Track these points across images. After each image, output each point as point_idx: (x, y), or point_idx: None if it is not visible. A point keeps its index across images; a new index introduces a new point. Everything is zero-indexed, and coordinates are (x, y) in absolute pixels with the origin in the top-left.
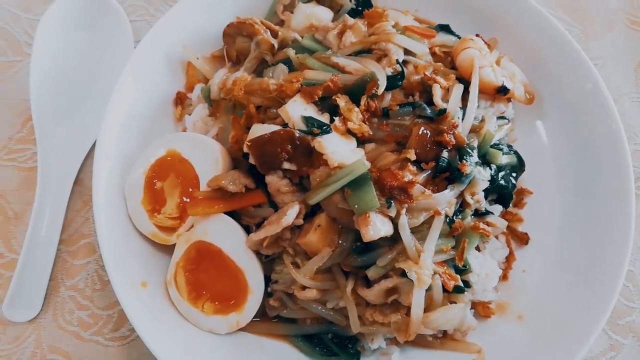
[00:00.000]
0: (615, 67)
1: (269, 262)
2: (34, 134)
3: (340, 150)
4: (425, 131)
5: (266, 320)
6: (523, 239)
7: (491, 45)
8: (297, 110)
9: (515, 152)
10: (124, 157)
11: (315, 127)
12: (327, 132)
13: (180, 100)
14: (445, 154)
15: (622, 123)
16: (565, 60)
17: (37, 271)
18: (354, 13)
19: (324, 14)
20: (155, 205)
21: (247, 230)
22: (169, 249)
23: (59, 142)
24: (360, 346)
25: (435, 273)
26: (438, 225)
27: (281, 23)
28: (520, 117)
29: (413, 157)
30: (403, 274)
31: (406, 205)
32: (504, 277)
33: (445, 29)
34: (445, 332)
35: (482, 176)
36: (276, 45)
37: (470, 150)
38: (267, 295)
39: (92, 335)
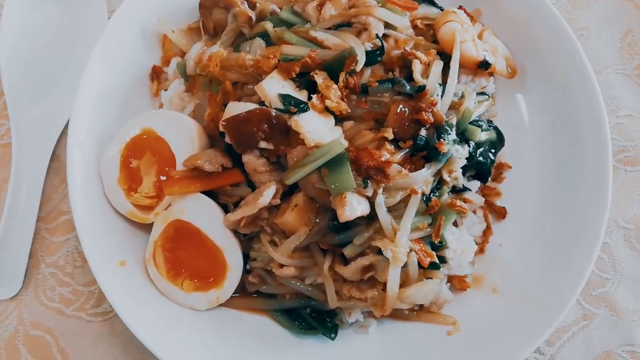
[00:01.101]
0: (601, 38)
1: (247, 240)
2: (7, 109)
3: (317, 129)
4: (403, 109)
5: (246, 295)
6: (501, 213)
7: (474, 17)
8: (274, 87)
9: (495, 128)
10: (99, 134)
11: (292, 106)
12: (305, 110)
13: (157, 74)
14: (423, 132)
15: (606, 95)
16: (548, 33)
17: (16, 249)
18: None
19: None
20: (132, 184)
21: (225, 208)
22: (147, 227)
23: (33, 118)
24: (338, 319)
25: (411, 250)
26: (414, 203)
27: None
28: (502, 91)
29: (391, 136)
30: (379, 251)
31: (383, 184)
32: (480, 250)
33: (427, 0)
34: (421, 305)
35: (460, 154)
36: (254, 18)
37: (448, 128)
38: (246, 272)
39: (75, 311)
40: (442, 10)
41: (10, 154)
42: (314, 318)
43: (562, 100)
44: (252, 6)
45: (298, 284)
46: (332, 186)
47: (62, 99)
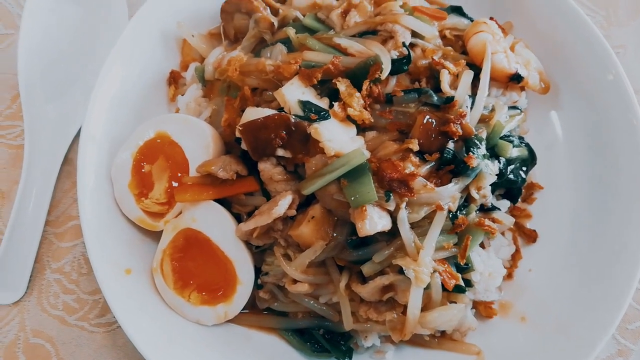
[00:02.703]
0: (638, 57)
1: (259, 253)
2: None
3: (338, 138)
4: (430, 120)
5: (256, 312)
6: (531, 237)
7: (505, 30)
8: (294, 93)
9: (527, 145)
10: (112, 138)
11: (312, 113)
12: (325, 118)
13: (174, 79)
14: (451, 144)
15: None
16: (585, 48)
17: (22, 252)
18: None
19: None
20: (143, 189)
21: (238, 218)
22: (155, 235)
23: (47, 120)
24: (353, 343)
25: (434, 271)
26: (440, 220)
27: (282, 0)
28: (534, 107)
29: (416, 147)
30: (400, 271)
31: (406, 198)
32: (508, 275)
33: (457, 10)
34: (443, 332)
35: (490, 170)
36: (276, 24)
37: (478, 142)
38: (257, 287)
39: (77, 320)
40: (472, 21)
41: (23, 156)
42: (327, 340)
43: (598, 120)
44: (275, 12)
45: (312, 302)
46: (352, 198)
47: (79, 101)
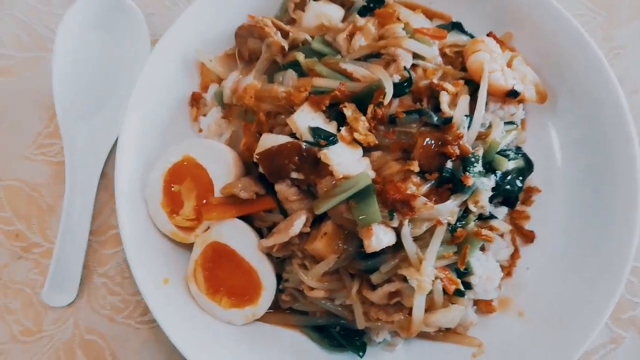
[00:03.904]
0: (638, 57)
1: (280, 262)
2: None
3: (345, 161)
4: (429, 142)
5: (279, 311)
6: (529, 237)
7: (504, 42)
8: (304, 120)
9: (524, 155)
10: (144, 157)
11: (321, 139)
12: (334, 142)
13: (195, 100)
14: (449, 164)
15: None
16: (579, 57)
17: (72, 260)
18: (365, 10)
19: (334, 12)
20: (174, 207)
21: (260, 232)
22: (188, 246)
23: (83, 138)
24: (367, 338)
25: (436, 278)
26: (440, 234)
27: (292, 21)
28: (531, 115)
29: (416, 169)
30: (405, 279)
31: (409, 217)
32: (507, 273)
33: (457, 27)
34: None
35: (486, 186)
36: (287, 47)
37: (474, 161)
38: (279, 291)
39: (124, 318)
40: (471, 37)
41: (64, 171)
42: (342, 336)
43: (592, 125)
44: (285, 35)
45: (328, 304)
46: (360, 217)
47: (110, 120)
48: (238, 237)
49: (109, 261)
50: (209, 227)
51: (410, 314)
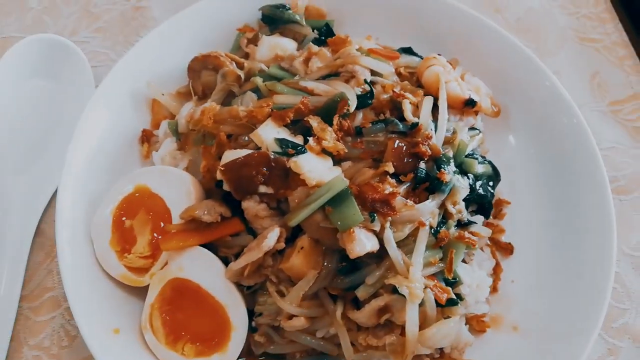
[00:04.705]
0: (572, 81)
1: (251, 294)
2: None
3: (317, 169)
4: (400, 144)
5: (252, 358)
6: (507, 249)
7: (453, 65)
8: (269, 133)
9: (490, 162)
10: (88, 201)
11: (289, 148)
12: (302, 152)
13: (147, 137)
14: (422, 164)
15: None
16: (525, 73)
17: None
18: (317, 42)
19: (288, 45)
20: (125, 244)
21: (225, 262)
22: (142, 292)
23: (17, 193)
24: None
25: (426, 287)
26: (424, 236)
27: (246, 56)
28: (490, 132)
29: (391, 169)
30: (394, 290)
31: (390, 218)
32: (493, 289)
33: (407, 51)
34: (442, 352)
35: (462, 184)
36: (243, 77)
37: (446, 160)
38: (252, 330)
39: None
40: (422, 58)
41: None
42: None
43: (549, 135)
44: (240, 66)
45: (309, 338)
46: (339, 222)
47: (48, 171)
48: (201, 267)
49: (44, 329)
50: (166, 263)
51: (402, 333)
